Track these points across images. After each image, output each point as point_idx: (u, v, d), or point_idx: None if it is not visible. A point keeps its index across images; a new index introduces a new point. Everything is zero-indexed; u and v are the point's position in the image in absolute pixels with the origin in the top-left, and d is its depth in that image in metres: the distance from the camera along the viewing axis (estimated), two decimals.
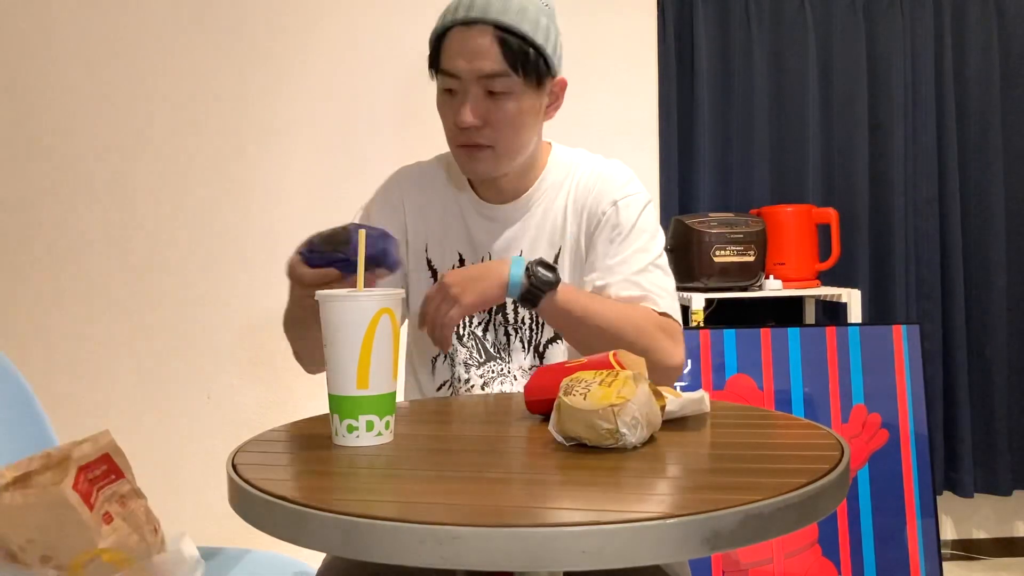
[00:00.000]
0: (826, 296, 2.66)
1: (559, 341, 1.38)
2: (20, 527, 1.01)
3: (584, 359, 1.10)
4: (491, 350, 1.39)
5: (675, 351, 1.27)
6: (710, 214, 2.58)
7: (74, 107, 2.53)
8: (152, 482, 1.28)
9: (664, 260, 1.37)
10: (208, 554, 1.32)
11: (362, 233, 1.04)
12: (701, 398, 1.04)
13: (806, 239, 2.61)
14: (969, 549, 2.90)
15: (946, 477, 2.82)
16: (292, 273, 1.15)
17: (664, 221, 2.44)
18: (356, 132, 2.60)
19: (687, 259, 2.51)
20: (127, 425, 2.44)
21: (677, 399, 1.02)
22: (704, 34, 2.74)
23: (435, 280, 1.42)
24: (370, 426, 0.95)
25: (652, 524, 0.67)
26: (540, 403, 1.07)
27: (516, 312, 1.39)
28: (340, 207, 2.53)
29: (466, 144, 1.31)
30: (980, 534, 2.92)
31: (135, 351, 2.55)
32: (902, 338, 2.46)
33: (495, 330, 1.39)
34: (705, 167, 2.75)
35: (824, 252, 2.64)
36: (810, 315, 2.78)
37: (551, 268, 1.24)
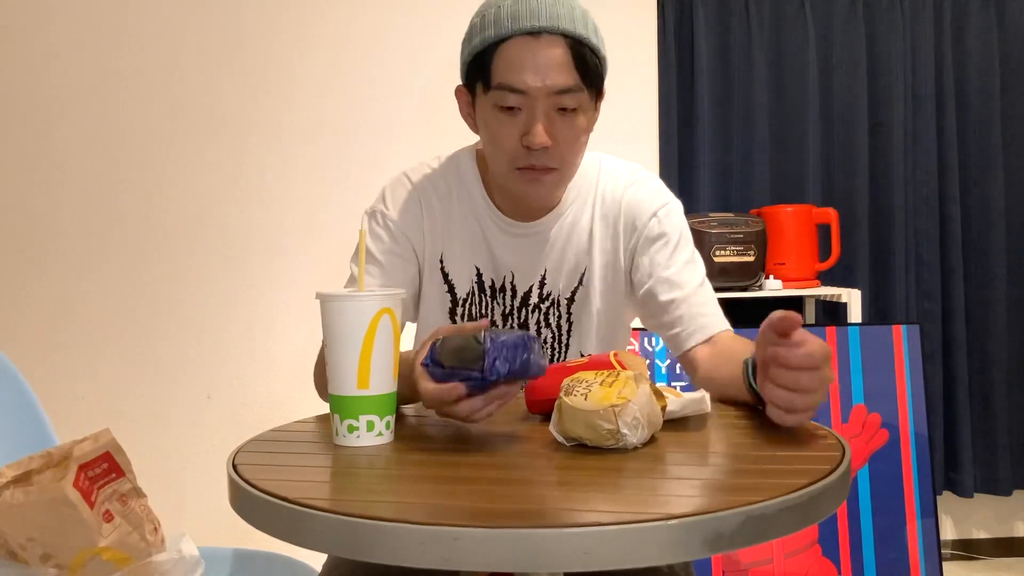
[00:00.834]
0: (826, 296, 2.66)
1: (583, 356, 1.35)
2: (21, 525, 1.01)
3: (585, 359, 1.10)
4: None
5: None
6: (710, 214, 2.58)
7: (75, 110, 2.53)
8: (152, 482, 1.28)
9: (703, 267, 1.33)
10: (208, 554, 1.32)
11: (362, 233, 1.04)
12: (702, 398, 1.04)
13: (806, 239, 2.61)
14: (969, 549, 2.90)
15: (946, 477, 2.82)
16: (415, 385, 0.99)
17: None
18: (356, 132, 2.60)
19: None
20: (127, 425, 2.44)
21: (678, 399, 1.02)
22: (704, 34, 2.74)
23: (450, 294, 1.34)
24: (371, 426, 0.95)
25: (653, 525, 0.67)
26: (540, 403, 1.07)
27: (539, 332, 1.35)
28: (340, 207, 2.55)
29: (532, 167, 1.20)
30: (980, 534, 2.92)
31: (135, 351, 2.55)
32: (902, 338, 2.46)
33: None
34: (705, 167, 2.75)
35: (824, 252, 2.64)
36: (810, 315, 2.78)
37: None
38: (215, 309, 2.56)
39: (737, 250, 2.51)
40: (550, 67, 1.15)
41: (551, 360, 1.33)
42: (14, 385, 1.43)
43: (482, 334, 0.92)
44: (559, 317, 1.34)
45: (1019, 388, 2.84)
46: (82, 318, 2.53)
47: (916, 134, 2.80)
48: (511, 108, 1.18)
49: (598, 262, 1.32)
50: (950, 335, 2.81)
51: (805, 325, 1.09)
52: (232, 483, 0.84)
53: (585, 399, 0.90)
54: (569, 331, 1.35)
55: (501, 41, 1.16)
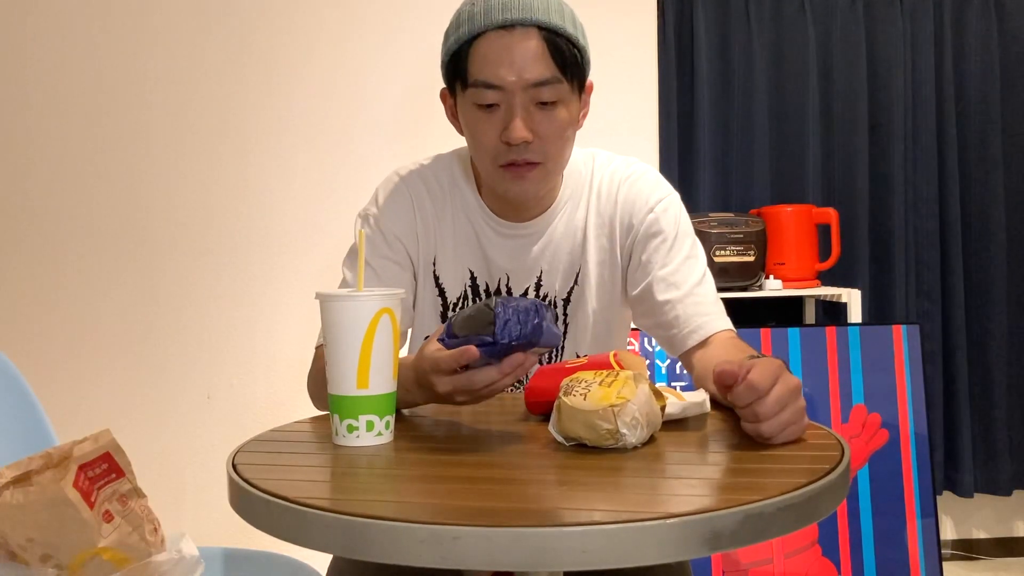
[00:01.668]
0: (826, 296, 2.66)
1: (579, 356, 1.35)
2: (20, 526, 1.01)
3: (584, 359, 1.10)
4: None
5: None
6: (710, 214, 2.58)
7: (73, 107, 2.53)
8: (152, 482, 1.28)
9: (704, 259, 1.31)
10: (208, 554, 1.32)
11: (361, 233, 1.04)
12: (703, 400, 1.04)
13: (806, 239, 2.61)
14: (969, 549, 2.90)
15: (946, 477, 2.82)
16: (427, 362, 0.97)
17: None
18: (356, 133, 2.60)
19: None
20: (127, 425, 2.44)
21: (679, 403, 1.01)
22: (704, 34, 2.74)
23: (441, 298, 1.31)
24: (370, 426, 0.95)
25: (652, 524, 0.67)
26: (540, 404, 1.07)
27: None
28: (340, 207, 2.55)
29: (514, 163, 1.18)
30: (980, 534, 2.92)
31: (135, 351, 2.55)
32: (902, 338, 2.46)
33: None
34: (705, 167, 2.75)
35: (824, 252, 2.64)
36: (810, 315, 2.78)
37: None
38: (215, 309, 2.56)
39: (737, 250, 2.52)
40: (525, 60, 1.13)
41: (548, 361, 1.32)
42: (14, 385, 1.43)
43: (494, 300, 0.93)
44: (555, 318, 1.33)
45: (1019, 388, 2.84)
46: (82, 319, 2.53)
47: (916, 134, 2.81)
48: (490, 105, 1.16)
49: (593, 260, 1.30)
50: (950, 335, 2.81)
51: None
52: (232, 483, 0.85)
53: (584, 399, 0.90)
54: (565, 332, 1.33)
55: (475, 38, 1.15)
